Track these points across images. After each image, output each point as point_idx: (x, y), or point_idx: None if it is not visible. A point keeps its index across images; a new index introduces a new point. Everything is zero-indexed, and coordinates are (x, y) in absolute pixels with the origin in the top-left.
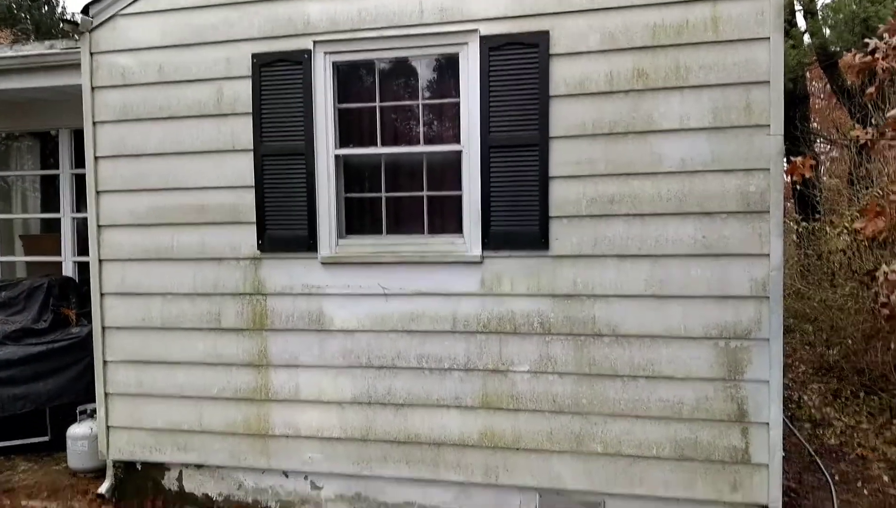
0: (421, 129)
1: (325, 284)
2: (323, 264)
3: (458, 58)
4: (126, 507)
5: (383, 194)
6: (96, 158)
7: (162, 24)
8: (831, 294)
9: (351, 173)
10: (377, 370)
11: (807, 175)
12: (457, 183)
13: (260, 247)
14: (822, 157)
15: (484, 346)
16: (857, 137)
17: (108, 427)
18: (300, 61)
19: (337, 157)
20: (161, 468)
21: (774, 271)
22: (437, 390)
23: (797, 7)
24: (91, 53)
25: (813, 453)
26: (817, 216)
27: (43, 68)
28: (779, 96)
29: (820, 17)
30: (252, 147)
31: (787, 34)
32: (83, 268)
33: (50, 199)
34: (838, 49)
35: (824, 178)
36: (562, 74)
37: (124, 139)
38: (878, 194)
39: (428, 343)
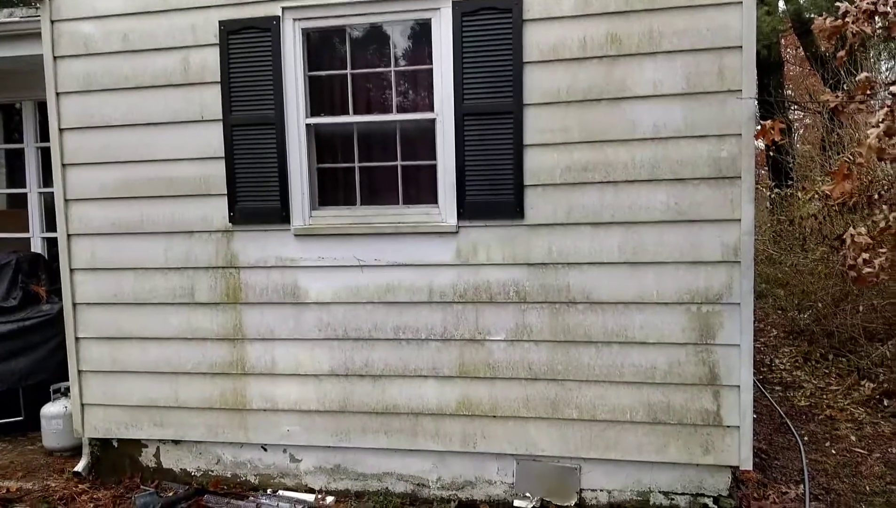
0: (394, 97)
1: (300, 256)
2: (296, 235)
3: (430, 24)
4: (103, 485)
5: (357, 164)
6: (61, 131)
7: None
8: (802, 259)
9: (324, 143)
10: (354, 341)
11: (776, 139)
12: (431, 152)
13: (232, 219)
14: (796, 124)
15: (460, 316)
16: (827, 101)
17: (82, 405)
18: (268, 28)
19: (308, 126)
20: (138, 444)
21: (745, 236)
22: (415, 360)
23: None
24: (52, 22)
25: (783, 415)
26: (790, 183)
27: (2, 38)
28: (751, 61)
29: None
30: (221, 117)
31: (761, 1)
32: (52, 244)
33: (15, 173)
34: (812, 16)
35: (798, 145)
36: (535, 40)
37: (90, 111)
38: (850, 158)
39: (405, 314)
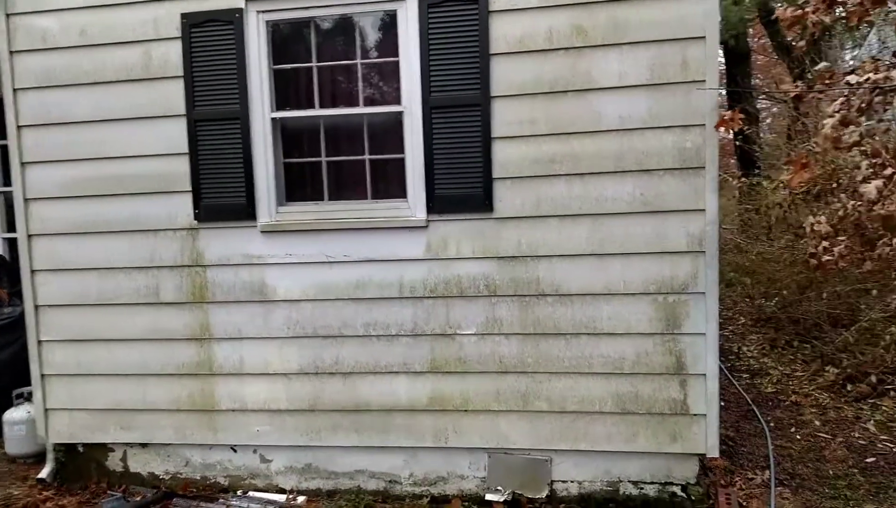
0: (361, 90)
1: (267, 253)
2: (263, 232)
3: (396, 15)
4: (69, 491)
5: (324, 159)
6: (19, 128)
7: None
8: (768, 247)
9: (290, 138)
10: (323, 339)
11: (735, 128)
12: (399, 146)
13: (197, 217)
14: (764, 113)
15: (431, 311)
16: (788, 91)
17: (46, 410)
18: (231, 21)
19: (274, 120)
20: (104, 448)
21: (710, 226)
22: (385, 356)
23: None
24: (7, 15)
25: (750, 402)
26: (757, 172)
27: None
28: (714, 52)
29: None
30: (185, 112)
31: None
32: (13, 245)
33: None
34: (779, 5)
35: (766, 134)
36: (502, 32)
37: (48, 107)
38: (813, 147)
39: (375, 310)
